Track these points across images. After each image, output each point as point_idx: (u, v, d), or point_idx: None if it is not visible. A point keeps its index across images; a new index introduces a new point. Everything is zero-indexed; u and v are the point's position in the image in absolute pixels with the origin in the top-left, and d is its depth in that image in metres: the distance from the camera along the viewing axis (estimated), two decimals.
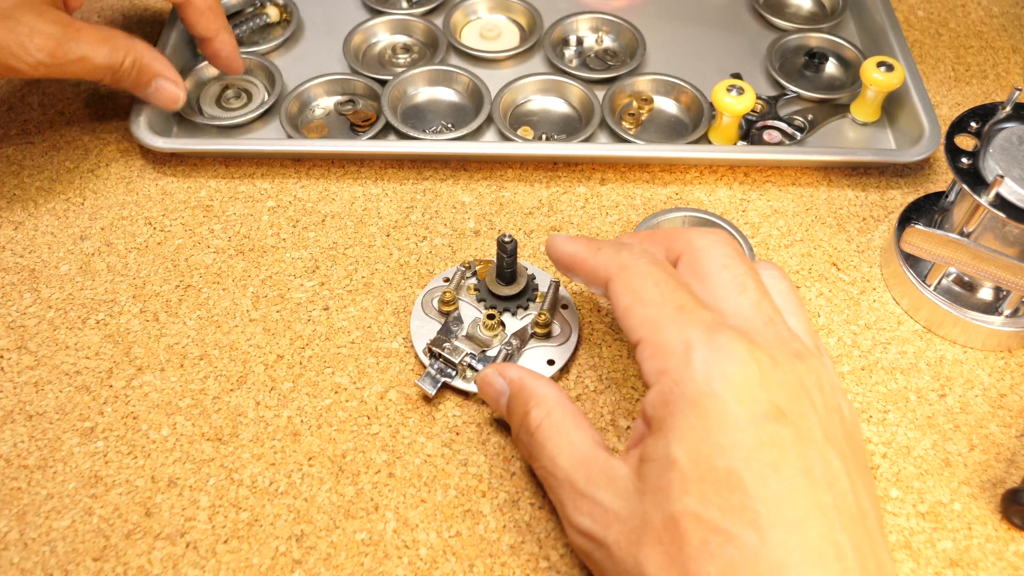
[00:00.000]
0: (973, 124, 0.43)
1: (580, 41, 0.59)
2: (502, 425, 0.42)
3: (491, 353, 0.42)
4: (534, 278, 0.45)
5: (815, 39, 0.59)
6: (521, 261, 0.46)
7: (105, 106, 0.55)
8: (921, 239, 0.43)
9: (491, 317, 0.43)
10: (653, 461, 0.30)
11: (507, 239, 0.42)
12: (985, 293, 0.45)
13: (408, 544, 0.38)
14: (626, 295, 0.34)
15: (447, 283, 0.45)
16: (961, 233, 0.43)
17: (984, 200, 0.40)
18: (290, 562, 0.37)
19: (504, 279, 0.44)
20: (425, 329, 0.44)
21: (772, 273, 0.36)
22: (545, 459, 0.35)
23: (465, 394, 0.42)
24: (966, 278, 0.45)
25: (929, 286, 0.45)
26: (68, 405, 0.42)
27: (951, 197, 0.46)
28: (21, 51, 0.43)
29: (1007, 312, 0.44)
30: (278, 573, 0.37)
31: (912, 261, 0.46)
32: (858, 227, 0.50)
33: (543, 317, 0.43)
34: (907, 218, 0.48)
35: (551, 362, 0.43)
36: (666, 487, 0.30)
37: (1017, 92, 0.43)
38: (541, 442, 0.35)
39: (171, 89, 0.49)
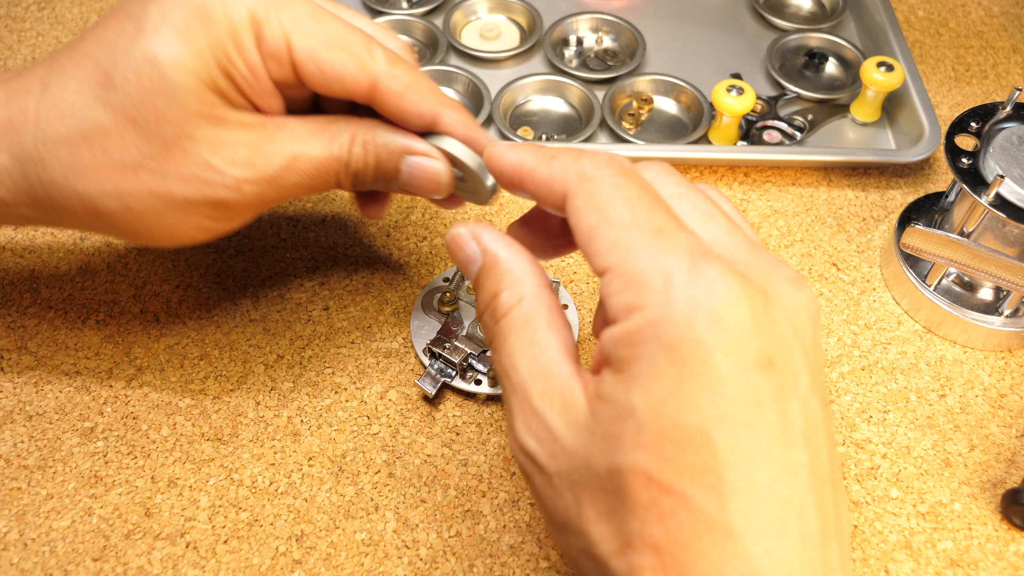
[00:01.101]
0: (973, 124, 0.43)
1: (580, 41, 0.59)
2: (502, 425, 0.42)
3: (491, 353, 0.42)
4: None
5: (815, 39, 0.59)
6: None
7: None
8: (921, 239, 0.43)
9: None
10: (609, 403, 0.27)
11: None
12: (985, 293, 0.45)
13: (408, 544, 0.38)
14: (590, 213, 0.28)
15: (447, 283, 0.45)
16: (961, 233, 0.43)
17: (984, 200, 0.40)
18: (290, 562, 0.37)
19: None
20: (425, 329, 0.44)
21: (713, 194, 0.32)
22: (505, 355, 0.30)
23: (465, 394, 0.42)
24: (966, 278, 0.45)
25: (929, 286, 0.45)
26: (68, 405, 0.42)
27: (951, 197, 0.46)
28: (212, 174, 0.33)
29: (1007, 312, 0.44)
30: (278, 573, 0.37)
31: (912, 261, 0.46)
32: (858, 227, 0.50)
33: None
34: (907, 218, 0.48)
35: None
36: (618, 436, 0.26)
37: (1017, 92, 0.43)
38: (504, 334, 0.30)
39: (427, 165, 0.36)
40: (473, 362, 0.42)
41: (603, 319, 0.29)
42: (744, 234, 0.30)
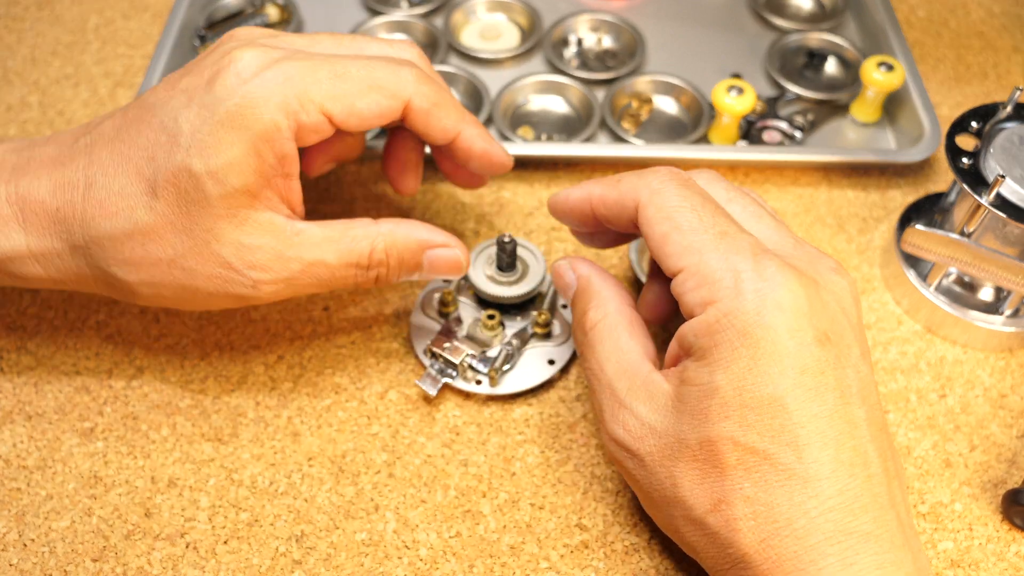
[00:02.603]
0: (974, 124, 0.43)
1: (580, 41, 0.59)
2: (502, 425, 0.42)
3: (491, 353, 0.42)
4: None
5: (815, 39, 0.59)
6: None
7: (105, 106, 0.55)
8: (921, 239, 0.43)
9: (491, 317, 0.43)
10: (695, 386, 0.31)
11: (507, 239, 0.42)
12: (986, 293, 0.45)
13: (408, 544, 0.38)
14: (662, 221, 0.33)
15: (447, 283, 0.45)
16: (962, 233, 0.43)
17: (985, 200, 0.40)
18: (290, 562, 0.37)
19: None
20: (425, 330, 0.44)
21: (756, 196, 0.37)
22: (593, 361, 0.35)
23: (465, 394, 0.42)
24: (966, 278, 0.45)
25: (929, 286, 0.45)
26: (68, 405, 0.42)
27: (951, 197, 0.46)
28: (233, 273, 0.36)
29: (1008, 312, 0.44)
30: (278, 574, 0.37)
31: (912, 261, 0.46)
32: (858, 227, 0.50)
33: (543, 317, 0.43)
34: (907, 218, 0.47)
35: (551, 362, 0.43)
36: (705, 411, 0.31)
37: (1018, 92, 0.43)
38: (592, 343, 0.36)
39: (445, 255, 0.39)
40: (473, 362, 0.42)
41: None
42: (788, 231, 0.35)
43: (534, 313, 0.44)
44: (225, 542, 0.38)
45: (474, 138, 0.39)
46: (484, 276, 0.43)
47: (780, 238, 0.34)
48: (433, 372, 0.42)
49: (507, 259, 0.43)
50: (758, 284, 0.31)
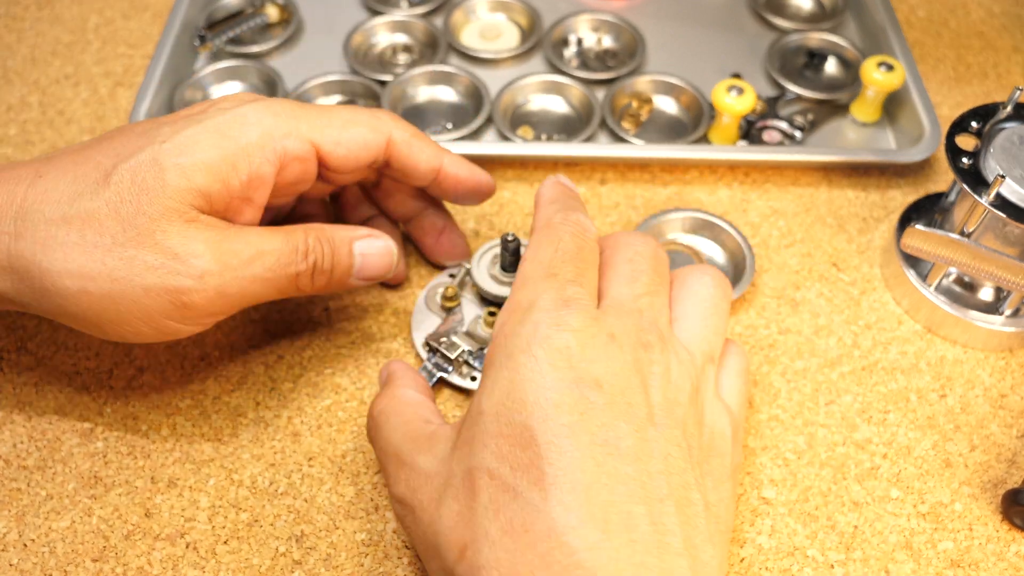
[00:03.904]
0: (974, 124, 0.43)
1: (580, 41, 0.59)
2: None
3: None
4: None
5: (815, 39, 0.59)
6: None
7: (105, 106, 0.55)
8: (921, 239, 0.43)
9: (492, 314, 0.43)
10: (469, 414, 0.31)
11: (510, 238, 0.42)
12: (986, 293, 0.45)
13: (408, 544, 0.38)
14: (529, 248, 0.35)
15: (451, 278, 0.45)
16: (961, 233, 0.43)
17: (985, 200, 0.40)
18: (290, 563, 0.37)
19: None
20: (426, 324, 0.44)
21: (704, 280, 0.36)
22: (380, 440, 0.34)
23: (464, 392, 0.42)
24: (966, 278, 0.45)
25: (929, 286, 0.45)
26: (68, 405, 0.42)
27: (951, 197, 0.46)
28: (177, 263, 0.33)
29: (1008, 312, 0.44)
30: (278, 573, 0.37)
31: (912, 261, 0.46)
32: (858, 227, 0.50)
33: None
34: (907, 218, 0.47)
35: None
36: (471, 440, 0.30)
37: (1018, 92, 0.43)
38: (379, 425, 0.35)
39: (376, 244, 0.39)
40: (470, 359, 0.42)
41: None
42: (646, 303, 0.33)
43: None
44: (225, 542, 0.38)
45: (459, 164, 0.41)
46: (488, 276, 0.44)
47: (628, 302, 0.33)
48: (429, 366, 0.42)
49: (510, 258, 0.43)
50: (543, 317, 0.31)
